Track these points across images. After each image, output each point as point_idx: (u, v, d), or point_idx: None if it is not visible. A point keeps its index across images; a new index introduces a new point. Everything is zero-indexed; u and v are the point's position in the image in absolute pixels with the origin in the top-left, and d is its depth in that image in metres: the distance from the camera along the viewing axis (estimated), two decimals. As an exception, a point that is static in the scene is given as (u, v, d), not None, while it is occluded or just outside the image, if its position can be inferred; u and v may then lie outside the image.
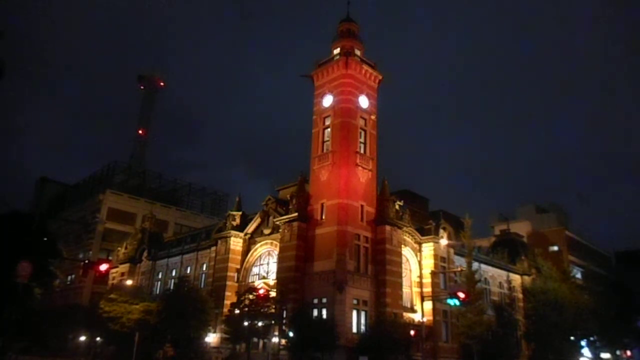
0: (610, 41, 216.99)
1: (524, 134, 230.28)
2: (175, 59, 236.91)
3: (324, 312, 35.84)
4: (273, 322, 35.51)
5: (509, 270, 53.18)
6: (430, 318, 40.04)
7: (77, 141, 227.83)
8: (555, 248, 70.95)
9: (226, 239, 45.65)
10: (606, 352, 53.56)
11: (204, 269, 49.39)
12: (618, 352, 55.04)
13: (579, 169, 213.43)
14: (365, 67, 43.22)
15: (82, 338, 49.26)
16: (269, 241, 43.71)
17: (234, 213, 46.60)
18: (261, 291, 36.52)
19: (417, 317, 39.34)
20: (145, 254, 57.30)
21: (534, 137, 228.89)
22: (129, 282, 52.99)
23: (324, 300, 36.23)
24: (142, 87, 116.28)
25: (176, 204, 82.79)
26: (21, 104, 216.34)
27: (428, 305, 40.29)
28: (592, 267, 75.49)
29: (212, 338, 41.71)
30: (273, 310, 35.25)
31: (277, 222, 41.47)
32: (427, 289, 41.03)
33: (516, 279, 53.77)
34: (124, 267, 58.54)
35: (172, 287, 43.07)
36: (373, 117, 43.12)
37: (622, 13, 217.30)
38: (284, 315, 35.77)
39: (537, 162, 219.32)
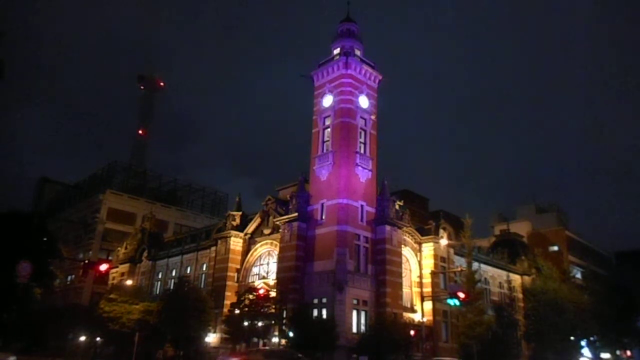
0: (610, 40, 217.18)
1: (524, 134, 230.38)
2: (172, 59, 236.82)
3: (324, 312, 35.83)
4: (273, 322, 35.50)
5: (509, 270, 53.18)
6: (430, 318, 40.06)
7: (77, 141, 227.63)
8: (555, 248, 70.98)
9: (226, 239, 45.63)
10: (606, 352, 53.60)
11: (204, 269, 49.36)
12: (618, 352, 55.09)
13: (579, 169, 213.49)
14: (365, 67, 43.22)
15: (82, 338, 49.24)
16: (269, 241, 43.70)
17: (234, 213, 46.59)
18: (261, 291, 36.51)
19: (417, 317, 39.35)
20: (145, 254, 57.25)
21: (535, 136, 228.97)
22: (129, 282, 52.92)
23: (324, 300, 36.23)
24: (142, 87, 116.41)
25: (176, 204, 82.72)
26: (21, 104, 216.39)
27: (428, 305, 40.31)
28: (592, 267, 75.47)
29: (212, 338, 41.71)
30: (273, 310, 35.23)
31: (277, 222, 41.47)
32: (427, 289, 41.06)
33: (516, 279, 53.75)
34: (124, 267, 58.51)
35: (172, 287, 43.05)
36: (373, 117, 43.12)
37: (621, 14, 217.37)
38: (284, 315, 35.74)
39: (536, 162, 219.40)
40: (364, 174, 40.14)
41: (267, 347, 27.02)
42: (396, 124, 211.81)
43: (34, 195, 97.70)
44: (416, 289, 41.68)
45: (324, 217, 39.04)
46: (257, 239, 45.11)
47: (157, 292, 52.20)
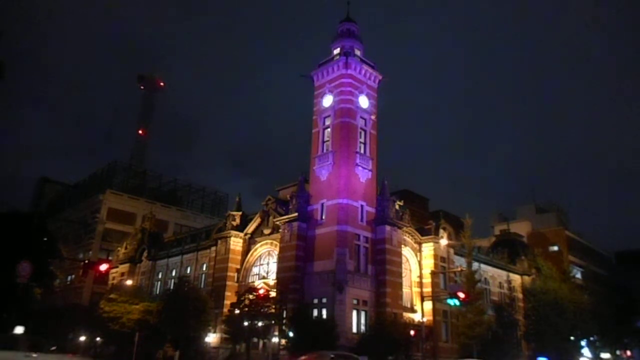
0: (610, 39, 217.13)
1: (524, 134, 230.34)
2: (172, 59, 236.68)
3: (324, 312, 35.81)
4: (273, 322, 35.49)
5: (509, 270, 53.16)
6: (430, 318, 40.02)
7: (77, 141, 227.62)
8: (555, 248, 70.96)
9: (226, 239, 45.63)
10: (606, 352, 53.64)
11: (204, 269, 49.36)
12: (618, 352, 55.17)
13: (579, 169, 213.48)
14: (365, 67, 43.21)
15: (82, 338, 49.29)
16: (269, 241, 43.70)
17: (234, 213, 46.58)
18: (261, 291, 36.49)
19: (417, 317, 39.33)
20: (145, 254, 57.26)
21: (535, 137, 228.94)
22: (129, 282, 52.93)
23: (324, 300, 36.21)
24: (142, 87, 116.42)
25: (176, 204, 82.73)
26: (21, 103, 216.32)
27: (428, 305, 40.26)
28: (592, 267, 75.53)
29: (212, 338, 41.73)
30: (273, 310, 35.22)
31: (277, 222, 41.47)
32: (427, 289, 41.02)
33: (516, 279, 53.75)
34: (124, 267, 58.51)
35: (172, 287, 43.03)
36: (373, 117, 43.12)
37: (622, 12, 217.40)
38: (284, 315, 35.73)
39: (536, 162, 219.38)
40: (364, 174, 40.14)
41: (336, 351, 27.48)
42: (396, 123, 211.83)
43: (34, 195, 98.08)
44: (416, 289, 41.66)
45: (324, 217, 39.03)
46: (257, 239, 45.11)
47: (157, 292, 52.18)
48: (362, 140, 41.53)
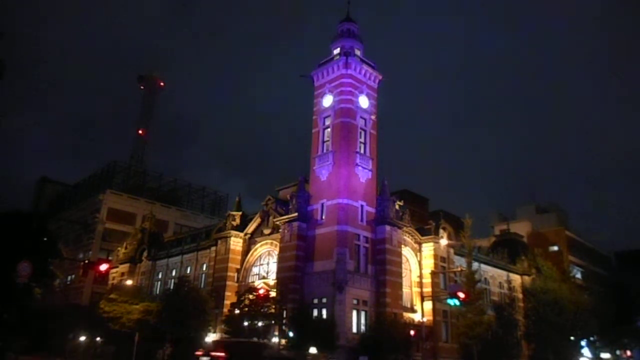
0: (610, 39, 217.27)
1: (524, 134, 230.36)
2: (172, 59, 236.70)
3: (324, 312, 35.85)
4: (273, 322, 35.53)
5: (509, 270, 53.20)
6: (430, 318, 40.07)
7: (77, 141, 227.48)
8: (555, 248, 70.91)
9: (226, 239, 45.66)
10: (606, 352, 53.60)
11: (204, 269, 49.41)
12: (618, 352, 55.09)
13: (579, 169, 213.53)
14: (365, 67, 43.22)
15: (82, 338, 49.27)
16: (269, 241, 43.72)
17: (234, 213, 46.63)
18: (261, 291, 36.54)
19: (417, 317, 39.36)
20: (145, 254, 57.30)
21: (535, 136, 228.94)
22: (129, 282, 52.95)
23: (324, 300, 36.25)
24: (142, 87, 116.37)
25: (176, 204, 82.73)
26: (20, 104, 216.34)
27: (428, 305, 40.31)
28: (592, 267, 75.53)
29: (212, 338, 41.73)
30: (273, 310, 35.25)
31: (277, 222, 41.49)
32: (427, 289, 41.07)
33: (516, 279, 53.78)
34: (124, 267, 58.53)
35: (172, 287, 43.10)
36: (373, 117, 43.14)
37: (622, 13, 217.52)
38: (284, 315, 35.77)
39: (536, 162, 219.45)
40: (364, 174, 40.15)
41: None
42: (396, 124, 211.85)
43: (34, 195, 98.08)
44: (416, 289, 41.69)
45: (324, 217, 39.05)
46: (257, 239, 45.13)
47: (157, 292, 52.21)
48: (362, 140, 41.55)
